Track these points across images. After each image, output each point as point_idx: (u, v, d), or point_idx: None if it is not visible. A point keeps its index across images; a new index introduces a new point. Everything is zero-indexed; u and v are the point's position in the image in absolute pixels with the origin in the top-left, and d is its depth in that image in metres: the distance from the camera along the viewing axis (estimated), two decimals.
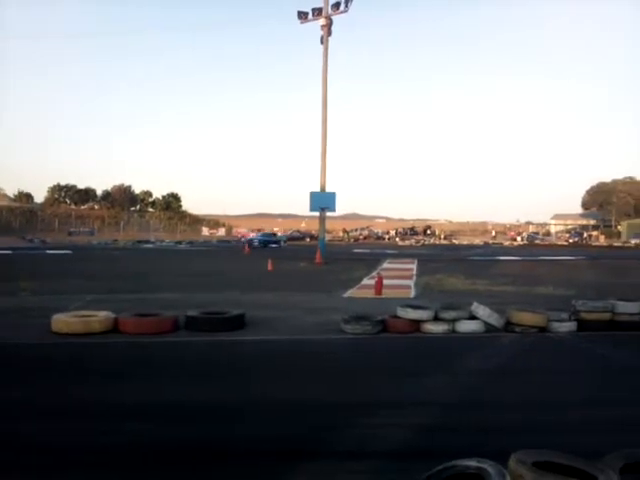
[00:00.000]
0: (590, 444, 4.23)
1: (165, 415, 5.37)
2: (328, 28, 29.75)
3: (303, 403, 5.79)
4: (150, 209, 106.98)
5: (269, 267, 23.20)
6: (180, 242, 57.40)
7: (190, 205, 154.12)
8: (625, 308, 10.16)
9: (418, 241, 68.29)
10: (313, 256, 28.23)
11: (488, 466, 3.03)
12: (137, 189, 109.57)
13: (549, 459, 3.30)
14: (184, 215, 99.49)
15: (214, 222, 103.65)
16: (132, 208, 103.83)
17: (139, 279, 18.79)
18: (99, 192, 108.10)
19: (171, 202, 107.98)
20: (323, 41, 29.87)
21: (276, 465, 4.22)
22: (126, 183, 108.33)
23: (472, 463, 3.12)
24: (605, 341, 9.27)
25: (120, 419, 5.21)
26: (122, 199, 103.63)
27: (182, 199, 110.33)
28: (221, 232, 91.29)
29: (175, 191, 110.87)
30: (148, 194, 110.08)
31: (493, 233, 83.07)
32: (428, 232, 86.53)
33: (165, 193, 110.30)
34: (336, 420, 5.23)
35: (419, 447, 4.61)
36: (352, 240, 72.51)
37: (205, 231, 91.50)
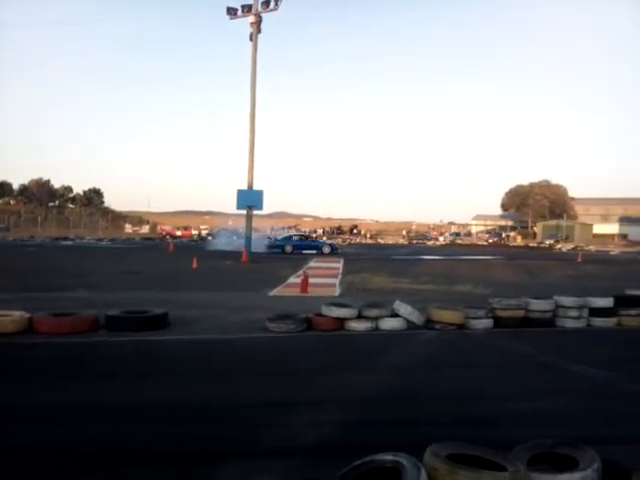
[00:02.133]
0: (503, 436, 4.43)
1: (64, 416, 5.24)
2: (257, 25, 29.57)
3: (224, 403, 5.75)
4: (70, 205, 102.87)
5: (194, 265, 22.87)
6: (102, 239, 55.58)
7: (113, 201, 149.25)
8: (537, 306, 10.66)
9: (344, 240, 68.95)
10: (239, 254, 28.05)
11: (404, 459, 3.12)
12: (57, 183, 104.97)
13: (462, 451, 3.43)
14: (106, 211, 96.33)
15: (138, 219, 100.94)
16: (51, 204, 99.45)
17: (57, 277, 18.09)
18: (15, 186, 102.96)
19: (93, 198, 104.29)
20: (252, 38, 29.69)
21: (196, 466, 4.18)
22: (45, 177, 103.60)
23: (388, 457, 3.20)
24: (518, 337, 9.69)
25: (19, 421, 5.04)
26: (40, 194, 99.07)
27: (104, 195, 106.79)
28: (145, 229, 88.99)
29: (97, 186, 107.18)
30: (68, 189, 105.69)
31: (404, 232, 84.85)
32: (354, 231, 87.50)
33: (86, 188, 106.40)
34: (257, 419, 5.23)
35: (340, 443, 4.68)
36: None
37: (128, 228, 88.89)
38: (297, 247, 37.97)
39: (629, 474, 3.52)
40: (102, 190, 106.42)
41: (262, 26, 29.81)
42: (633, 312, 10.96)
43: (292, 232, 79.50)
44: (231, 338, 9.23)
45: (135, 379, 6.62)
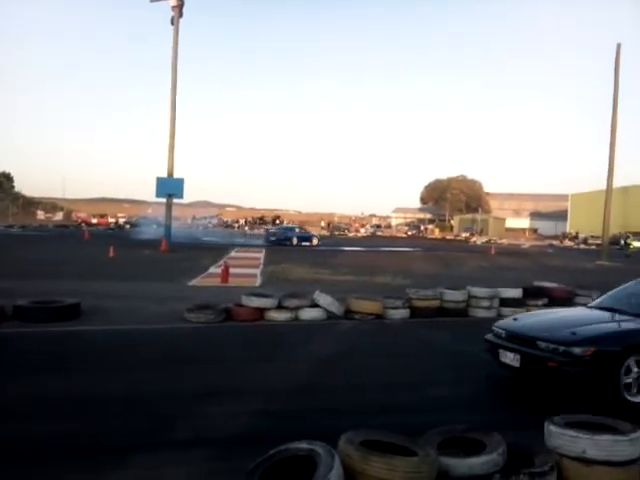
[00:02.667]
0: (417, 422, 4.56)
1: None
2: (179, 9, 28.83)
3: (138, 395, 5.62)
4: None
5: (111, 254, 22.16)
6: (12, 226, 52.84)
7: (25, 186, 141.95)
8: (452, 296, 11.04)
9: (267, 230, 68.74)
10: (158, 243, 27.41)
11: (318, 447, 3.15)
12: None
13: (376, 438, 3.51)
14: (17, 197, 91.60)
15: (51, 205, 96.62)
16: None
17: None
18: None
19: (2, 182, 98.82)
20: (174, 22, 28.94)
21: (108, 460, 4.06)
22: None
23: (303, 445, 3.22)
24: (433, 326, 10.01)
25: None
26: None
27: (15, 180, 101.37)
28: (59, 216, 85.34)
29: (7, 170, 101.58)
30: None
31: (322, 224, 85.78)
32: (277, 222, 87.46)
33: None
34: (172, 411, 5.15)
35: (256, 433, 4.68)
36: (200, 228, 71.33)
37: (41, 215, 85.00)
38: (299, 239, 39.88)
39: (532, 456, 3.72)
40: (12, 175, 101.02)
41: (185, 10, 29.09)
42: (540, 302, 11.56)
43: (214, 221, 78.85)
44: (147, 329, 9.02)
45: (38, 372, 6.34)
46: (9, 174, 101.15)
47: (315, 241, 40.25)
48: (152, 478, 3.87)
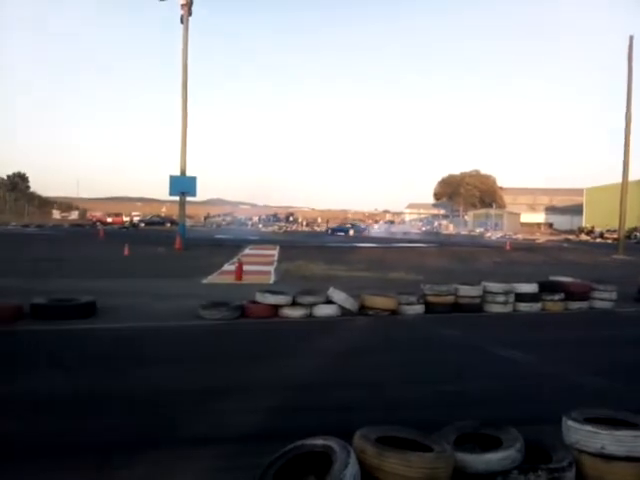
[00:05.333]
0: (432, 418, 4.53)
1: None
2: (188, 8, 28.85)
3: (156, 391, 5.64)
4: None
5: (126, 252, 22.29)
6: (28, 225, 53.32)
7: (40, 186, 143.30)
8: (466, 292, 10.97)
9: (280, 228, 68.87)
10: (173, 241, 27.51)
11: (334, 443, 3.14)
12: None
13: (391, 434, 3.49)
14: (32, 197, 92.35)
15: (66, 205, 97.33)
16: None
17: None
18: None
19: (17, 183, 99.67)
20: (183, 21, 28.98)
21: (120, 457, 4.08)
22: None
23: (318, 441, 3.21)
24: (448, 322, 9.95)
25: None
26: None
27: (30, 180, 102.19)
28: (74, 215, 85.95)
29: (22, 171, 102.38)
30: None
31: (319, 220, 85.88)
32: (291, 219, 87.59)
33: (10, 172, 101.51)
34: (189, 407, 5.15)
35: (271, 430, 4.67)
36: (214, 226, 71.58)
37: (56, 214, 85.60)
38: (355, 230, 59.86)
39: (549, 452, 3.68)
40: (27, 175, 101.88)
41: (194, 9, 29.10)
42: (556, 297, 11.44)
43: (228, 219, 78.98)
44: (162, 326, 9.04)
45: (55, 368, 6.38)
46: (24, 174, 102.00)
47: (351, 232, 58.41)
48: (163, 474, 3.88)
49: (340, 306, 10.02)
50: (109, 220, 67.41)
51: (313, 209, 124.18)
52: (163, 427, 4.71)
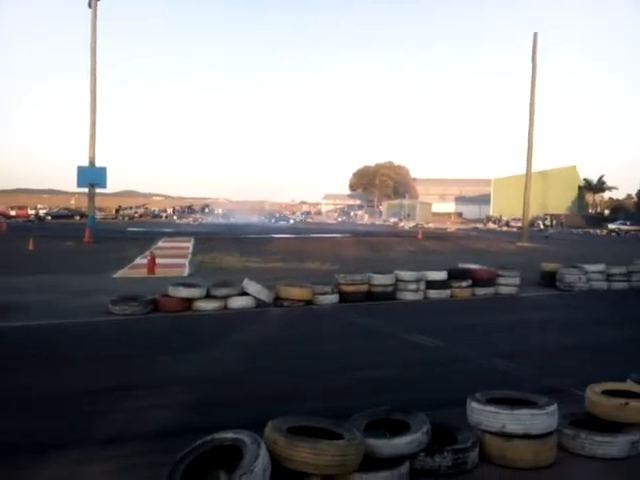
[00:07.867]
0: (346, 406, 4.59)
1: None
2: None
3: (61, 392, 5.41)
4: None
5: (30, 247, 21.22)
6: None
7: None
8: (380, 280, 11.20)
9: (195, 220, 67.69)
10: (82, 235, 26.43)
11: (244, 436, 3.12)
12: None
13: (303, 423, 3.51)
14: None
15: None
16: None
17: None
18: None
19: None
20: (91, 5, 27.80)
21: (26, 458, 3.89)
22: None
23: (229, 435, 3.18)
24: (362, 310, 10.14)
25: None
26: None
27: None
28: None
29: None
30: None
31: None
32: (206, 210, 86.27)
33: None
34: (97, 406, 4.98)
35: (184, 425, 4.58)
36: (127, 218, 69.38)
37: None
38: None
39: (455, 434, 3.83)
40: None
41: None
42: (464, 284, 11.90)
43: (140, 211, 76.77)
44: (70, 323, 8.70)
45: None
46: None
47: (291, 221, 65.83)
48: (69, 476, 3.73)
49: (255, 298, 9.98)
50: (12, 213, 63.85)
51: (230, 200, 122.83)
52: (70, 428, 4.52)
